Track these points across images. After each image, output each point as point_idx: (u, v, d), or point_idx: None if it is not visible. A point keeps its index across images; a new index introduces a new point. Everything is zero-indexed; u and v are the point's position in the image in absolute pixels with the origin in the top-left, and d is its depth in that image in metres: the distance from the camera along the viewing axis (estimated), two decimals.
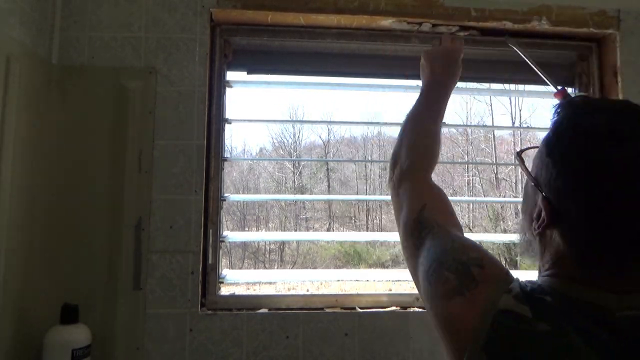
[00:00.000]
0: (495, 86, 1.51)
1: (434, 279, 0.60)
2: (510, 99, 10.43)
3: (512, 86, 1.89)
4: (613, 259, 0.51)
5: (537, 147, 0.62)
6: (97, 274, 1.05)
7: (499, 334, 0.50)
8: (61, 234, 1.05)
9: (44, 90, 1.05)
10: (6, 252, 0.90)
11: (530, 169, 0.61)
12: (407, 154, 0.83)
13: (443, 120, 0.92)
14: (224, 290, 1.17)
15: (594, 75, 1.30)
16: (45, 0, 1.06)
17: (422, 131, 0.87)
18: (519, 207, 0.68)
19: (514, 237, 0.72)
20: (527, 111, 10.45)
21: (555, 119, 0.58)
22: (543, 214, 0.55)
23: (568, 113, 0.57)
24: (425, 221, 0.68)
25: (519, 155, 0.66)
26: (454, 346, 0.54)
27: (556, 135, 0.56)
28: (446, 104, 0.93)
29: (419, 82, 1.29)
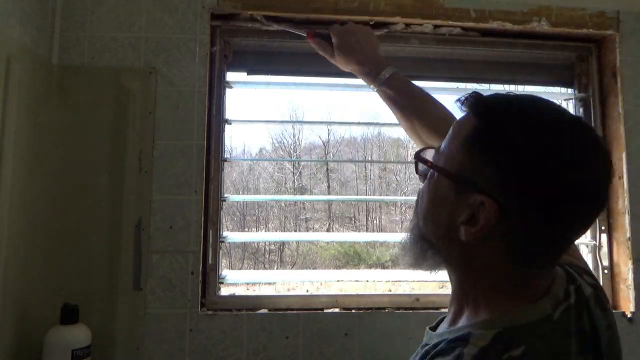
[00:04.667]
0: (495, 86, 1.51)
1: None
2: None
3: (512, 86, 1.89)
4: (554, 253, 0.50)
5: (432, 147, 0.57)
6: (97, 274, 1.05)
7: None
8: (61, 234, 1.05)
9: (44, 90, 1.05)
10: (6, 252, 0.90)
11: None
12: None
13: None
14: (224, 291, 1.17)
15: (593, 76, 1.30)
16: (45, 0, 1.06)
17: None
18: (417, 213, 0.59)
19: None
20: None
21: (481, 110, 0.51)
22: (483, 214, 0.48)
23: (501, 104, 0.51)
24: None
25: (419, 156, 0.57)
26: None
27: (494, 128, 0.49)
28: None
29: (419, 83, 1.29)
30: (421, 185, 0.59)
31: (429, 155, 0.57)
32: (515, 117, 0.48)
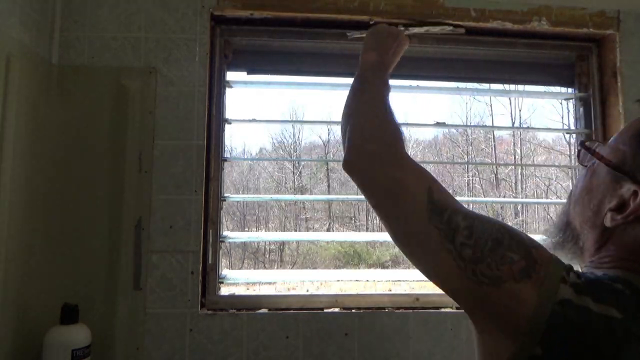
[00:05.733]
0: (495, 86, 1.51)
1: (493, 260, 0.52)
2: (509, 99, 10.43)
3: (512, 86, 1.89)
4: None
5: (596, 141, 0.63)
6: (97, 274, 1.05)
7: (557, 328, 0.47)
8: (61, 234, 1.05)
9: (44, 90, 1.05)
10: (6, 252, 0.90)
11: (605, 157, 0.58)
12: (382, 130, 0.70)
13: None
14: (224, 291, 1.17)
15: (594, 75, 1.30)
16: (45, 0, 1.06)
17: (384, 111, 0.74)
18: (573, 202, 0.63)
19: None
20: (526, 111, 10.45)
21: None
22: (635, 203, 0.52)
23: None
24: (441, 204, 0.58)
25: (584, 145, 0.62)
26: (507, 332, 0.50)
27: None
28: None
29: (419, 82, 1.30)
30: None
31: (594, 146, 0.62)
32: None
